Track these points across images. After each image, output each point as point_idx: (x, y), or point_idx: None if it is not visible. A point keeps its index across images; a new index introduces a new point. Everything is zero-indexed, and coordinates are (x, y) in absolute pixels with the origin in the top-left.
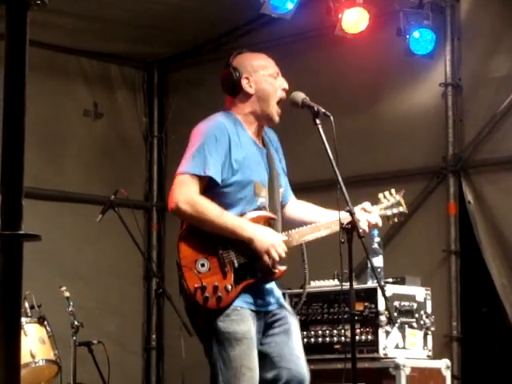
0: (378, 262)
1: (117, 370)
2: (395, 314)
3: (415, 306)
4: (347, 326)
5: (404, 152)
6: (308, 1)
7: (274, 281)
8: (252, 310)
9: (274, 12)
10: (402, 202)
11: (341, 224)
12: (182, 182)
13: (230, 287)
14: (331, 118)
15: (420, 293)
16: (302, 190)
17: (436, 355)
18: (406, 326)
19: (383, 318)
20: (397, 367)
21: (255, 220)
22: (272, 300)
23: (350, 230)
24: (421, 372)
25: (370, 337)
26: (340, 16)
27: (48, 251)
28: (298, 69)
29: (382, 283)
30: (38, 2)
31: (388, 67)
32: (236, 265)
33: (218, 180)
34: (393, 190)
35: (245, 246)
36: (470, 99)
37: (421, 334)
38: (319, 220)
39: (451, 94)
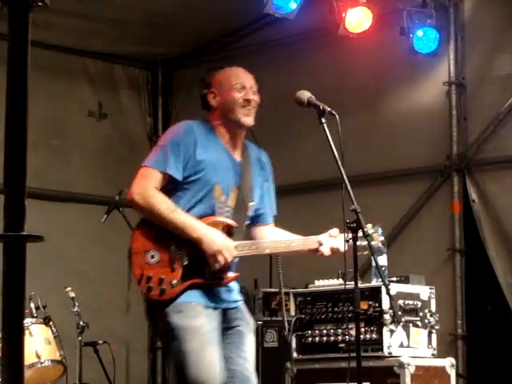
0: (382, 260)
1: (122, 369)
2: (400, 312)
3: (419, 304)
4: (352, 325)
5: (408, 151)
6: (311, 0)
7: (224, 286)
8: (206, 307)
9: (277, 12)
10: (375, 237)
11: (346, 223)
12: (142, 175)
13: (175, 282)
14: (337, 116)
15: (424, 291)
16: (302, 190)
17: (441, 354)
18: (411, 324)
19: (388, 317)
20: (401, 366)
21: (213, 224)
22: (226, 298)
23: (355, 228)
24: (425, 370)
25: (374, 335)
26: (343, 15)
27: (53, 252)
28: (302, 68)
29: (387, 282)
30: (40, 4)
31: (392, 66)
32: (186, 262)
33: (178, 178)
34: (369, 225)
35: (198, 246)
36: (474, 98)
37: (425, 332)
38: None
39: (455, 93)
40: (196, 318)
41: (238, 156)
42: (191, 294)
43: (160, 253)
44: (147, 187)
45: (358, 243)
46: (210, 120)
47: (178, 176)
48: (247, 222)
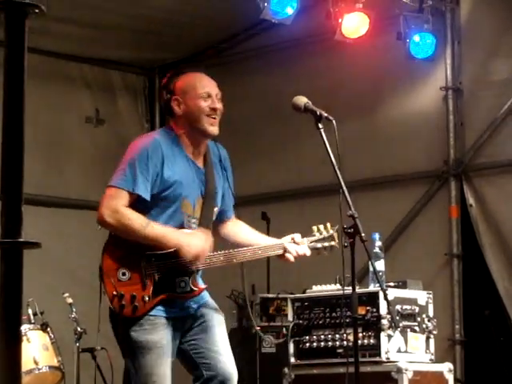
0: (379, 265)
1: (120, 376)
2: (397, 317)
3: (417, 309)
4: (349, 330)
5: (405, 156)
6: (308, 6)
7: (193, 298)
8: (167, 318)
9: (274, 17)
10: (335, 236)
11: (343, 228)
12: (109, 195)
13: (147, 298)
14: (333, 122)
15: (422, 296)
16: (303, 194)
17: (439, 359)
18: (408, 329)
19: (385, 322)
20: (399, 371)
21: None
22: (191, 305)
23: (353, 234)
24: (423, 376)
25: (372, 341)
26: (340, 21)
27: (50, 258)
28: (299, 73)
29: (384, 287)
30: (37, 10)
31: (388, 71)
32: (156, 278)
33: (147, 197)
34: (328, 224)
35: (167, 261)
36: (471, 103)
37: (423, 337)
38: (254, 242)
39: (452, 98)
40: (156, 331)
41: (201, 163)
42: (156, 308)
43: (131, 270)
44: (117, 207)
45: (319, 245)
46: (172, 127)
47: (147, 196)
48: (211, 228)
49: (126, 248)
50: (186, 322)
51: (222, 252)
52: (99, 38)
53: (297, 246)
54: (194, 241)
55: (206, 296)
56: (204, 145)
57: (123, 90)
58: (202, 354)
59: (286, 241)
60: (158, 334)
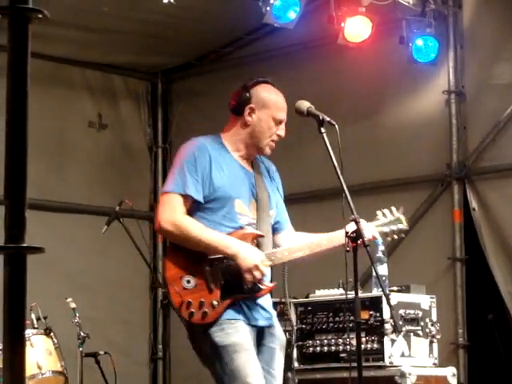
0: (382, 270)
1: (123, 380)
2: (400, 322)
3: (420, 314)
4: (353, 335)
5: (408, 160)
6: (310, 10)
7: (262, 297)
8: (245, 324)
9: (276, 22)
10: (402, 218)
11: (346, 233)
12: (165, 201)
13: (216, 303)
14: (336, 126)
15: (425, 301)
16: (307, 198)
17: (442, 363)
18: (412, 334)
19: (388, 327)
20: (402, 375)
21: (242, 237)
22: (262, 316)
23: (355, 238)
24: (427, 380)
25: (375, 345)
26: (342, 25)
27: (54, 262)
28: (301, 78)
29: (387, 291)
30: (40, 16)
31: (391, 75)
32: (222, 281)
33: (199, 198)
34: (393, 208)
35: (230, 263)
36: (474, 106)
37: (426, 341)
38: (316, 238)
39: (454, 102)
40: (239, 333)
41: (249, 168)
42: (231, 312)
43: (195, 277)
44: (173, 214)
45: (387, 229)
46: (222, 134)
47: (199, 197)
48: (270, 230)
49: (187, 255)
50: (257, 334)
51: (287, 247)
52: (102, 42)
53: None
54: (251, 253)
55: (274, 317)
56: (253, 156)
57: (126, 95)
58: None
59: (349, 227)
60: (242, 337)
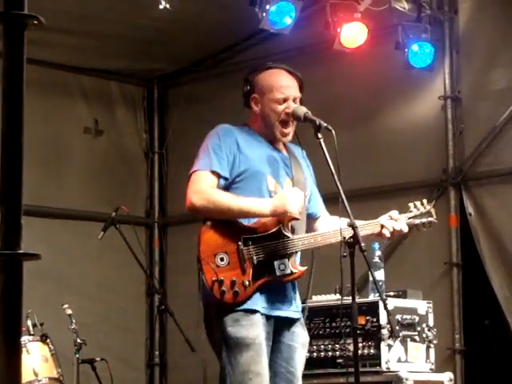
0: (379, 275)
1: None
2: (397, 327)
3: (417, 319)
4: (349, 340)
5: (404, 165)
6: (306, 16)
7: (294, 281)
8: (263, 314)
9: (272, 27)
10: (433, 211)
11: (343, 238)
12: (192, 180)
13: (247, 283)
14: (333, 131)
15: (422, 306)
16: None
17: (439, 368)
18: (408, 339)
19: (385, 332)
20: (399, 381)
21: (276, 219)
22: (286, 307)
23: (352, 243)
24: None
25: (372, 350)
26: (339, 30)
27: (49, 269)
28: None
29: (384, 297)
30: (35, 22)
31: (387, 81)
32: (255, 261)
33: (226, 174)
34: (424, 200)
35: (265, 243)
36: (470, 112)
37: (423, 347)
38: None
39: (451, 107)
40: (252, 327)
41: (283, 150)
42: (251, 301)
43: (229, 254)
44: (201, 187)
45: (418, 221)
46: (250, 123)
47: (225, 173)
48: (305, 213)
49: (221, 233)
50: (276, 329)
51: (319, 232)
52: (97, 48)
53: (394, 222)
54: (282, 196)
55: (301, 317)
56: (280, 141)
57: (122, 101)
58: (280, 374)
59: (383, 219)
60: (255, 331)
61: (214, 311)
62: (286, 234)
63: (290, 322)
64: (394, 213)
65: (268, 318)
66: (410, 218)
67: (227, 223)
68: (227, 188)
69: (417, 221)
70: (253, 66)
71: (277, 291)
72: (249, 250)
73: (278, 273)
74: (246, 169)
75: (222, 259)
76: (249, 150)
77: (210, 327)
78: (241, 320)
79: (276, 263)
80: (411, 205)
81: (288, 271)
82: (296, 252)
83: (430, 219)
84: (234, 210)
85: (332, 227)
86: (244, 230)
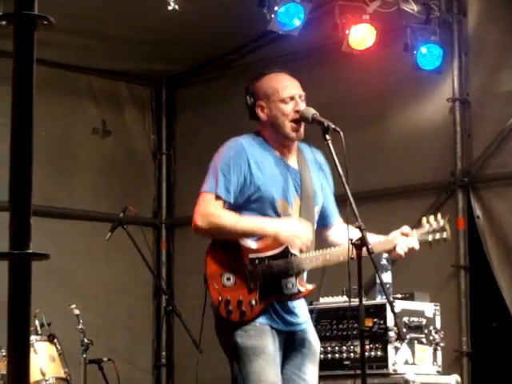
0: (386, 277)
1: None
2: (404, 329)
3: (424, 321)
4: (356, 342)
5: (412, 167)
6: (315, 17)
7: (302, 298)
8: (272, 327)
9: (281, 29)
10: (447, 227)
11: (350, 240)
12: (199, 201)
13: (254, 302)
14: (341, 133)
15: (429, 308)
16: None
17: (446, 371)
18: (416, 341)
19: (392, 334)
20: (406, 383)
21: None
22: (295, 321)
23: (360, 245)
24: None
25: (379, 353)
26: (347, 32)
27: (57, 269)
28: (306, 85)
29: (391, 299)
30: (45, 22)
31: (395, 83)
32: (262, 281)
33: (229, 199)
34: (439, 215)
35: (271, 263)
36: (478, 114)
37: (430, 349)
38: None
39: (459, 109)
40: (261, 337)
41: (293, 163)
42: (262, 315)
43: (235, 274)
44: (206, 208)
45: (430, 238)
46: (260, 130)
47: (229, 198)
48: (315, 228)
49: (228, 252)
50: (287, 340)
51: (328, 251)
52: (106, 49)
53: (406, 239)
54: (291, 224)
55: (310, 322)
56: (293, 146)
57: (130, 102)
58: (291, 381)
59: (395, 235)
60: (264, 340)
61: (224, 325)
62: (293, 252)
63: (300, 331)
64: (406, 228)
65: (277, 331)
66: (422, 235)
67: (234, 242)
68: (242, 207)
69: (429, 237)
70: (254, 73)
71: (285, 308)
72: (255, 269)
73: (285, 292)
74: (256, 190)
75: (228, 279)
76: (259, 171)
77: (221, 338)
78: (250, 330)
79: (283, 282)
80: (424, 220)
81: (295, 290)
82: (303, 270)
83: (444, 236)
84: (237, 232)
85: (342, 238)
86: (250, 249)
